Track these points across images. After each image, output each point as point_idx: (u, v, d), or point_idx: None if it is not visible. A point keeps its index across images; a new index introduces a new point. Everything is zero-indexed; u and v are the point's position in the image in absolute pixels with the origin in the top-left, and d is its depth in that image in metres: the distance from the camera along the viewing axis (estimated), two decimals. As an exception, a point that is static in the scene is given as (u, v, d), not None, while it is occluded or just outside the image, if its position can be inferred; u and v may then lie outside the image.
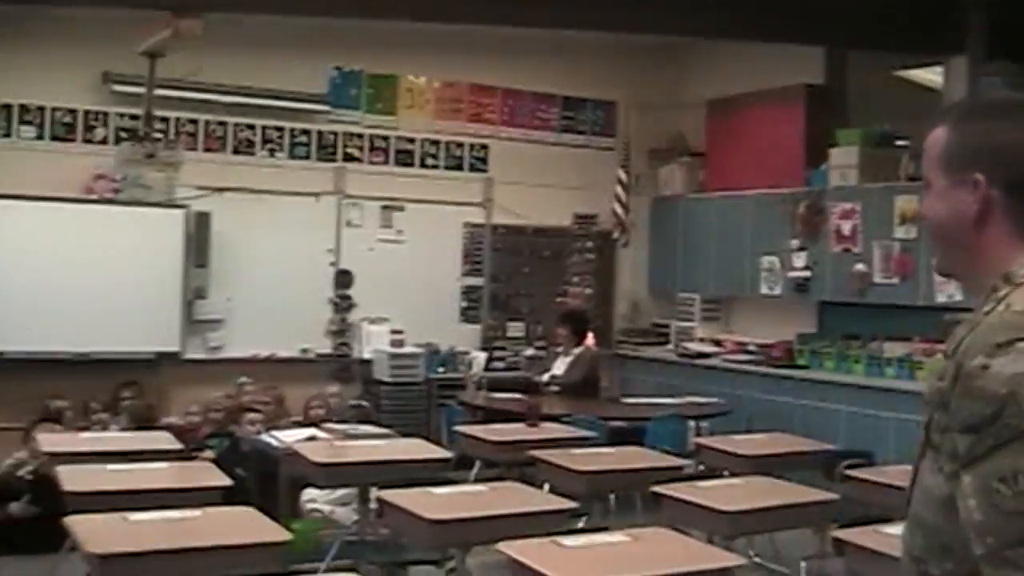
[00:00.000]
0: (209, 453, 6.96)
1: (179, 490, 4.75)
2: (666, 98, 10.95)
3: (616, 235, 10.49)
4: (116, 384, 8.68)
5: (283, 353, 9.53)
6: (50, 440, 6.16)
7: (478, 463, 6.92)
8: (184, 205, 9.06)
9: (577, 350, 8.74)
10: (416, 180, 10.12)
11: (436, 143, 10.28)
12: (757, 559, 6.00)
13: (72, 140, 8.94)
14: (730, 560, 3.83)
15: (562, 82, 10.72)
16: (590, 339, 8.87)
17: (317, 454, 5.74)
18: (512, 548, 3.69)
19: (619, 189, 10.32)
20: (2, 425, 8.01)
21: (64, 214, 8.70)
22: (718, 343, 10.26)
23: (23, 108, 8.83)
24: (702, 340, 10.35)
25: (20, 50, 8.74)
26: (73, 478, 4.78)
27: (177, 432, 6.66)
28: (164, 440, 6.10)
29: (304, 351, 9.64)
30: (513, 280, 10.63)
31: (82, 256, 8.68)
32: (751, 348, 9.87)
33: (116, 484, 4.73)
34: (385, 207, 9.97)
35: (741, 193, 10.06)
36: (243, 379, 8.84)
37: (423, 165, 10.23)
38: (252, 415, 7.63)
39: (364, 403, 8.93)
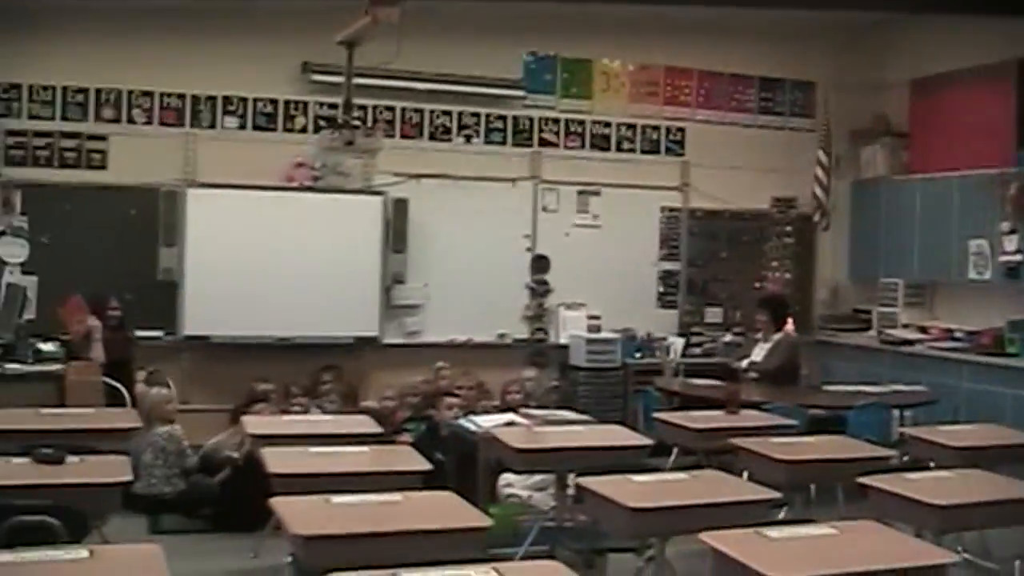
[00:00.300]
0: (407, 437, 7.03)
1: (380, 473, 4.74)
2: (867, 77, 10.62)
3: (816, 218, 10.19)
4: (317, 368, 8.68)
5: (480, 338, 9.46)
6: (255, 423, 6.24)
7: (675, 450, 6.83)
8: (382, 192, 9.07)
9: (776, 336, 8.47)
10: (612, 164, 9.99)
11: (632, 127, 10.12)
12: (967, 556, 5.73)
13: (273, 129, 9.01)
14: (942, 557, 3.64)
15: (758, 63, 10.50)
16: (790, 325, 8.62)
17: (516, 439, 5.65)
18: (715, 538, 3.54)
19: (819, 171, 10.02)
20: (212, 407, 8.11)
21: (266, 202, 8.74)
22: (923, 330, 9.95)
23: (226, 100, 8.93)
24: (906, 327, 10.06)
25: (223, 44, 8.84)
26: (278, 460, 4.80)
27: (375, 416, 6.66)
28: (364, 424, 6.09)
29: (501, 336, 9.58)
30: (710, 265, 10.43)
31: (284, 243, 8.71)
32: (958, 335, 9.57)
33: (319, 467, 4.74)
34: (581, 192, 9.84)
35: (947, 174, 9.73)
36: (440, 364, 8.72)
37: (619, 149, 10.09)
38: (450, 400, 7.55)
39: (561, 387, 8.77)
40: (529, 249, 9.72)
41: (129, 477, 4.35)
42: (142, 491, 6.74)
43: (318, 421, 6.70)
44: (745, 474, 5.44)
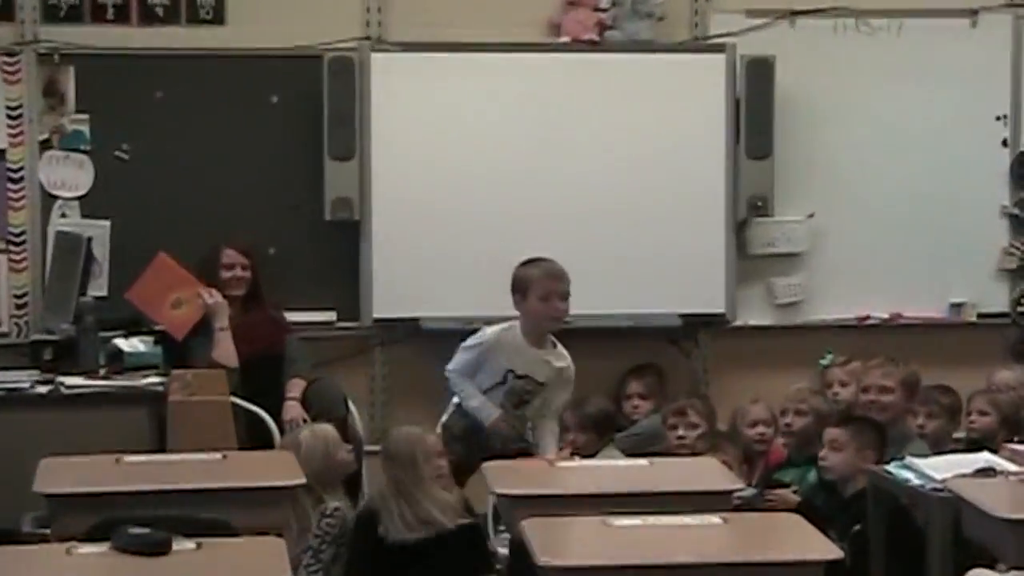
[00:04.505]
0: (790, 494, 6.54)
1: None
2: None
3: None
4: (618, 372, 7.98)
5: (912, 311, 8.39)
6: (511, 473, 5.78)
7: None
8: (723, 46, 8.17)
9: None
10: None
11: None
12: None
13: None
14: None
15: None
16: None
17: (999, 501, 5.11)
18: None
19: None
20: None
21: (515, 74, 8.10)
22: None
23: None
24: None
25: None
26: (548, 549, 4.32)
27: (724, 460, 6.25)
28: (711, 475, 5.63)
29: (955, 308, 8.51)
30: None
31: (545, 150, 8.08)
32: None
33: (605, 555, 4.31)
34: None
35: None
36: (828, 358, 7.89)
37: None
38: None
39: None
40: (1006, 143, 8.48)
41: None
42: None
43: (626, 469, 6.12)
44: None
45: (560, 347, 6.27)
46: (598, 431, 7.23)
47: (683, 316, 8.14)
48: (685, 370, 8.29)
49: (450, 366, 6.24)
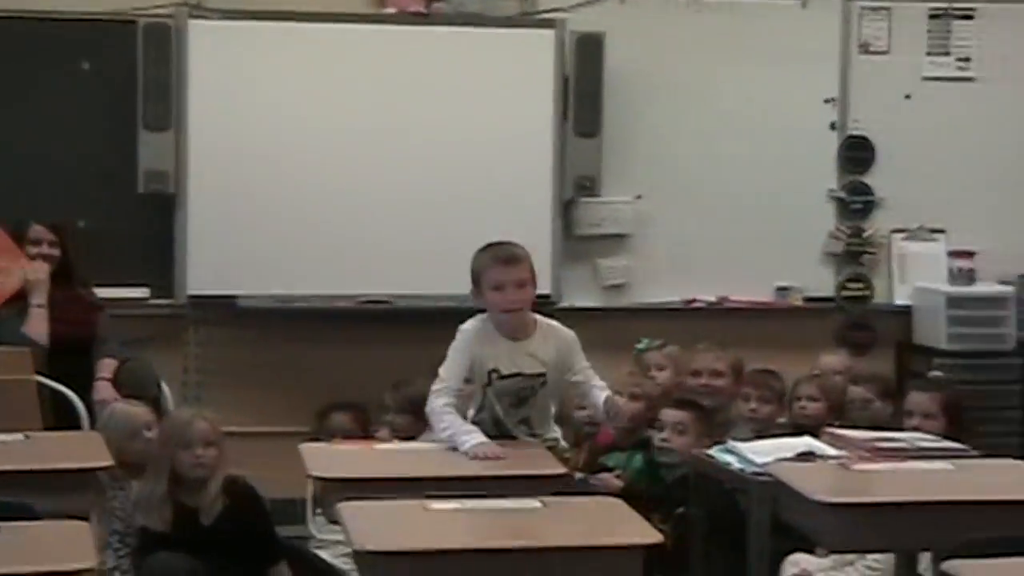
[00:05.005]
0: (612, 478, 6.58)
1: (565, 550, 4.27)
2: None
3: None
4: (441, 356, 7.42)
5: (741, 296, 8.61)
6: (327, 456, 5.83)
7: None
8: (553, 22, 8.32)
9: None
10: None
11: None
12: None
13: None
14: None
15: None
16: None
17: (820, 486, 5.17)
18: None
19: None
20: (247, 428, 7.66)
21: (338, 48, 8.18)
22: None
23: None
24: None
25: None
26: (366, 533, 4.35)
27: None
28: (530, 458, 5.61)
29: (781, 293, 8.72)
30: None
31: (372, 126, 8.12)
32: None
33: (445, 539, 4.32)
34: (935, 15, 8.88)
35: None
36: (645, 343, 7.82)
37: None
38: (676, 414, 6.68)
39: (940, 375, 8.04)
40: (835, 126, 8.72)
41: (91, 564, 4.02)
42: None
43: (446, 453, 5.90)
44: None
45: (547, 324, 5.71)
46: (420, 414, 7.35)
47: (510, 297, 8.17)
48: None
49: (437, 385, 5.46)
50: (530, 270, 5.56)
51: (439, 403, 5.52)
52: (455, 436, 5.40)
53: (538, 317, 5.61)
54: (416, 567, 4.01)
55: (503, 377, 5.41)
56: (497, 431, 5.62)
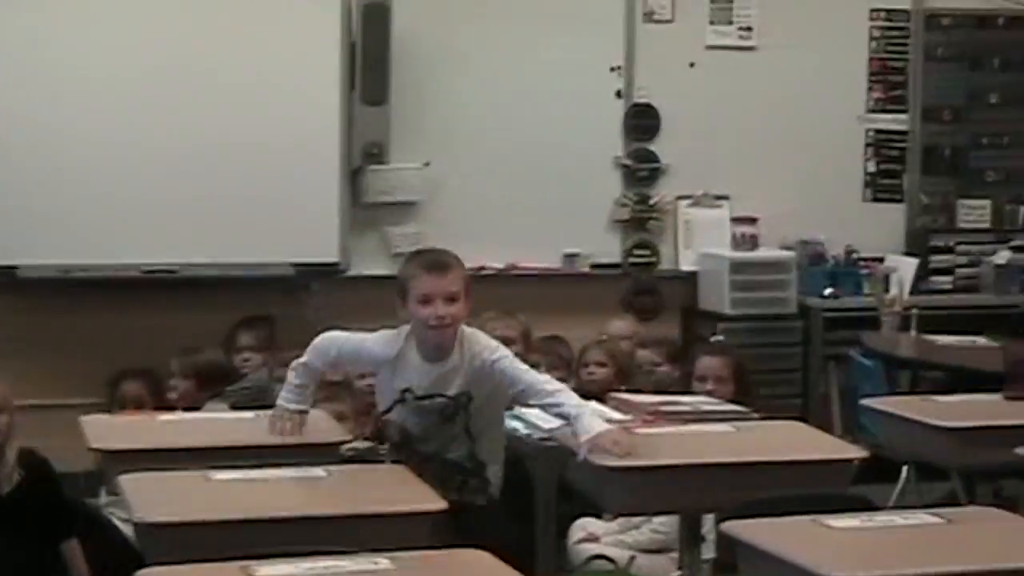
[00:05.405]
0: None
1: (355, 518, 4.30)
2: None
3: None
4: (227, 324, 7.97)
5: (530, 263, 8.64)
6: (108, 428, 5.73)
7: (907, 469, 6.95)
8: None
9: None
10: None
11: None
12: None
13: None
14: None
15: None
16: None
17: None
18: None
19: None
20: (34, 400, 7.08)
21: (120, 7, 7.96)
22: None
23: None
24: None
25: None
26: (146, 505, 4.34)
27: (339, 412, 6.14)
28: (320, 427, 5.46)
29: (569, 259, 8.80)
30: (968, 117, 9.57)
31: (155, 87, 7.97)
32: None
33: (223, 509, 4.31)
34: None
35: None
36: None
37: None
38: None
39: (722, 339, 8.23)
40: (621, 93, 8.79)
41: None
42: None
43: (230, 423, 5.98)
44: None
45: (469, 338, 4.94)
46: (206, 384, 7.31)
47: (296, 266, 8.18)
48: (299, 321, 7.97)
49: (311, 352, 4.91)
50: (463, 281, 4.93)
51: (300, 360, 5.00)
52: (283, 391, 5.04)
53: (463, 328, 4.95)
54: (197, 538, 3.95)
55: (418, 398, 4.82)
56: (402, 439, 5.08)
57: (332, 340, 4.93)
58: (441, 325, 4.65)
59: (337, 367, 5.65)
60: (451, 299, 4.68)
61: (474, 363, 4.95)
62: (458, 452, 5.13)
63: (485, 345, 4.90)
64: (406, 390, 4.77)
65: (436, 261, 4.89)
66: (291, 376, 5.06)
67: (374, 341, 4.96)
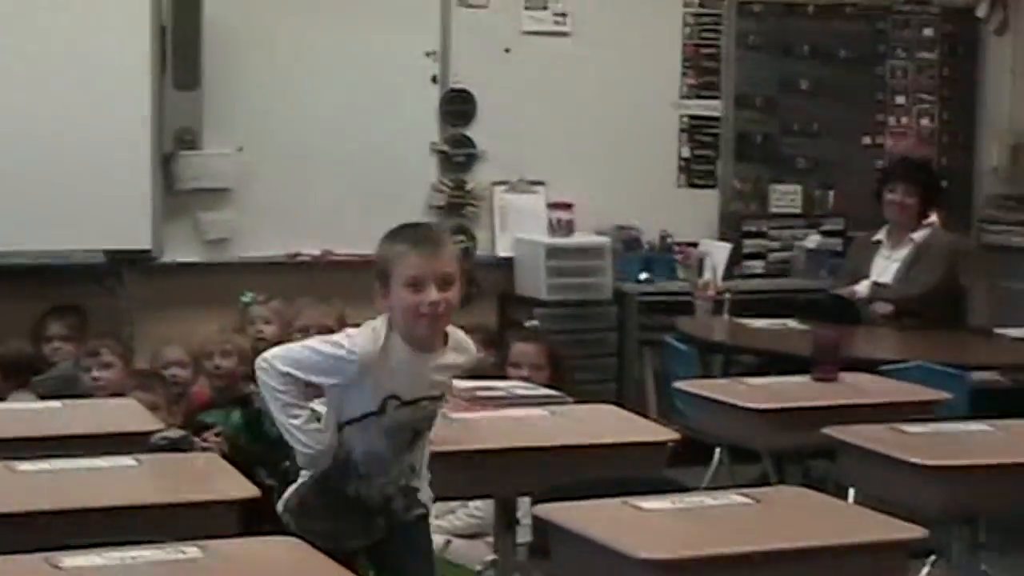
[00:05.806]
0: (213, 436, 6.58)
1: (167, 507, 4.29)
2: None
3: (982, 13, 9.79)
4: (35, 314, 7.89)
5: (345, 250, 8.52)
6: None
7: (720, 451, 7.05)
8: None
9: (920, 236, 7.88)
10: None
11: None
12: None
13: None
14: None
15: None
16: (935, 217, 8.13)
17: None
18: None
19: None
20: None
21: None
22: None
23: None
24: None
25: None
26: None
27: (149, 399, 6.18)
28: (129, 414, 5.51)
29: None
30: (780, 104, 9.73)
31: None
32: None
33: (29, 501, 4.26)
34: None
35: None
36: (249, 296, 8.03)
37: None
38: None
39: (537, 324, 8.25)
40: (436, 79, 8.88)
41: None
42: None
43: (36, 413, 5.92)
44: (853, 494, 5.55)
45: (458, 333, 4.30)
46: (11, 374, 7.21)
47: (107, 253, 8.10)
48: (110, 309, 8.15)
49: (280, 364, 4.02)
50: (457, 261, 4.22)
51: (283, 401, 4.07)
52: (298, 439, 4.14)
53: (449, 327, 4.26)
54: (1, 531, 3.89)
55: (404, 404, 4.07)
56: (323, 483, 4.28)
57: (291, 357, 4.04)
58: (435, 313, 3.97)
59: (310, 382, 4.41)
60: (446, 282, 3.98)
61: (458, 360, 4.33)
62: (406, 479, 4.43)
63: (467, 345, 4.29)
64: (390, 397, 4.03)
65: (426, 237, 4.16)
66: (290, 421, 4.18)
67: (362, 344, 4.08)
